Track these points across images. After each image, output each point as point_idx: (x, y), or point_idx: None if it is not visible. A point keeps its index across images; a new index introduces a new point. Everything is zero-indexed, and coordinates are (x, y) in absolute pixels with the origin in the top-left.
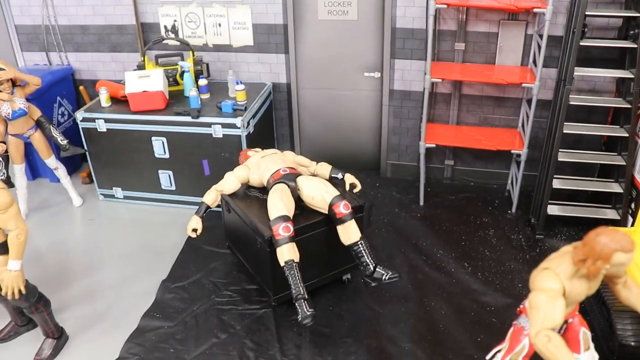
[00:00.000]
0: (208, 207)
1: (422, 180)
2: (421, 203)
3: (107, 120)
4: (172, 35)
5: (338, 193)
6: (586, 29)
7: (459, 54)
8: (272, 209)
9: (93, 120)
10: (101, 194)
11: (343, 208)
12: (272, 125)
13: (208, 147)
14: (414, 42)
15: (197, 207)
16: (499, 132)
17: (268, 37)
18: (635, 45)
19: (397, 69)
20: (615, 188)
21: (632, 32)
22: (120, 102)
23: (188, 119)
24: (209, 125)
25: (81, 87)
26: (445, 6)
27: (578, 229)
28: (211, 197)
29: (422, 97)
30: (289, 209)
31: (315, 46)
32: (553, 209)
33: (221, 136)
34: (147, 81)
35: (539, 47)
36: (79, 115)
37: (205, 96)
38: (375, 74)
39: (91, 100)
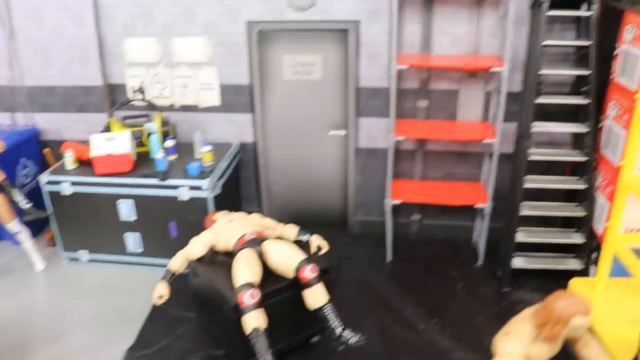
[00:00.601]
0: (174, 273)
1: (389, 236)
2: (389, 259)
3: (72, 183)
4: (139, 97)
5: (304, 257)
6: (541, 86)
7: (422, 111)
8: (237, 276)
9: (58, 183)
10: (66, 257)
11: (309, 272)
12: (239, 185)
13: (175, 210)
14: (378, 101)
15: (164, 271)
16: (464, 186)
17: (234, 97)
18: (587, 102)
19: (362, 127)
20: (578, 238)
21: (583, 88)
22: (86, 164)
23: (155, 181)
24: (175, 187)
25: (46, 150)
26: (406, 66)
27: (544, 279)
28: (177, 263)
29: (387, 154)
30: (255, 275)
31: (281, 105)
32: (518, 262)
33: (188, 199)
34: (113, 144)
35: (498, 103)
36: (44, 178)
37: (173, 157)
38: (340, 132)
39: (57, 161)
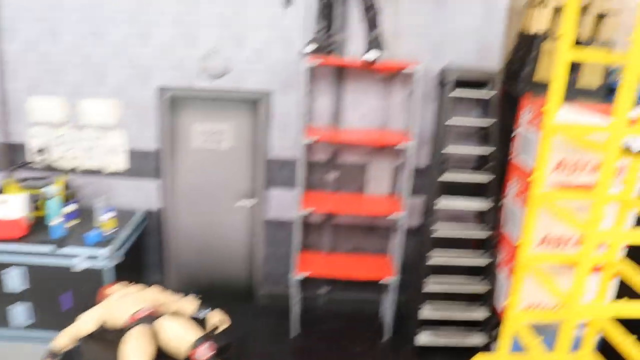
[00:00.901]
0: (55, 354)
1: (295, 310)
2: (295, 334)
3: None
4: (41, 158)
5: (199, 335)
6: (446, 163)
7: (331, 183)
8: (126, 359)
9: None
10: None
11: (204, 352)
12: (143, 253)
13: (70, 280)
14: (288, 172)
15: (46, 351)
16: (372, 259)
17: (142, 163)
18: (489, 180)
19: (271, 198)
20: (482, 313)
21: (487, 165)
22: None
23: (50, 248)
24: (71, 256)
25: None
26: (315, 140)
27: (450, 355)
28: (61, 342)
29: (295, 226)
30: (146, 356)
31: (190, 173)
32: (424, 338)
33: (84, 268)
34: (4, 207)
35: (405, 178)
36: None
37: (72, 223)
38: (249, 202)
39: None
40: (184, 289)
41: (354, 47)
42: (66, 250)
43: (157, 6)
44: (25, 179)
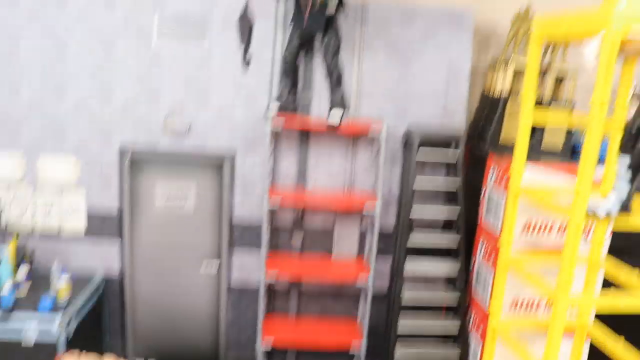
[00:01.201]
0: None
1: None
2: None
3: None
4: None
5: None
6: (413, 224)
7: (297, 245)
8: None
9: None
10: None
11: None
12: (102, 319)
13: (21, 354)
14: (252, 233)
15: None
16: (339, 325)
17: (102, 224)
18: (457, 241)
19: (235, 260)
20: None
21: (455, 226)
22: None
23: None
24: (22, 328)
25: None
26: (278, 204)
27: None
28: None
29: (260, 291)
30: None
31: (152, 234)
32: None
33: (35, 340)
34: None
35: (372, 241)
36: None
37: (24, 289)
38: (213, 265)
39: None
40: (146, 356)
41: (319, 106)
42: (15, 321)
43: (120, 63)
44: None
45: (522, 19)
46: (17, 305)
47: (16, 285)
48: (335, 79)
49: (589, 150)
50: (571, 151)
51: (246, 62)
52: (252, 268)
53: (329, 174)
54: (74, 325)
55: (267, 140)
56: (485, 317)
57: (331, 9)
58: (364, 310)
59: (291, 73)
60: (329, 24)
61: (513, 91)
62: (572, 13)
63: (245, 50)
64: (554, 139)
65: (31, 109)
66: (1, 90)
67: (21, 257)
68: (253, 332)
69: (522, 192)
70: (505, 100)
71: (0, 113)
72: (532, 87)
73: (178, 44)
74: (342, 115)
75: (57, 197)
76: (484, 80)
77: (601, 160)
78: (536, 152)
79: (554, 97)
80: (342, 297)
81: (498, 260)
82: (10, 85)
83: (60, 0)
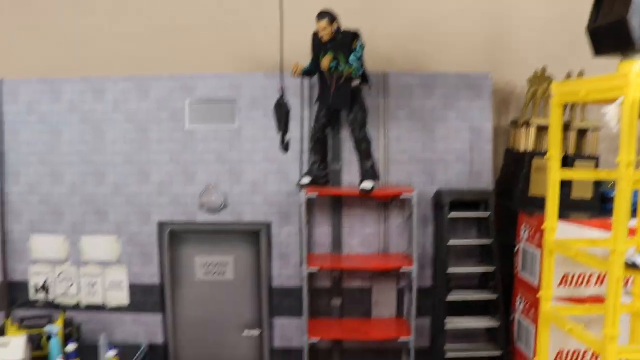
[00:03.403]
0: None
1: None
2: None
3: None
4: (42, 295)
5: None
6: (451, 282)
7: (336, 309)
8: None
9: None
10: None
11: None
12: None
13: None
14: (292, 300)
15: None
16: None
17: (144, 297)
18: (494, 297)
19: (276, 326)
20: None
21: (490, 283)
22: None
23: None
24: None
25: None
26: (317, 269)
27: None
28: None
29: (303, 355)
30: None
31: (193, 305)
32: None
33: None
34: (5, 350)
35: (411, 300)
36: None
37: None
38: (254, 332)
39: None
40: None
41: (349, 175)
42: None
43: (155, 145)
44: (25, 318)
45: (539, 79)
46: None
47: (67, 359)
48: (364, 151)
49: (621, 207)
50: (600, 200)
51: (284, 146)
52: (293, 333)
53: (363, 239)
54: None
55: (301, 210)
56: None
57: (355, 81)
58: None
59: (320, 148)
60: (354, 98)
61: (537, 146)
62: (589, 80)
63: (283, 136)
64: (582, 189)
65: (73, 193)
66: (45, 177)
67: (69, 331)
68: None
69: (556, 248)
70: (531, 156)
71: (45, 198)
72: (556, 147)
73: (209, 125)
74: (373, 185)
75: (100, 274)
76: (507, 136)
77: (633, 209)
78: (566, 203)
79: (578, 151)
80: (384, 356)
81: (539, 315)
82: (53, 173)
83: (98, 91)
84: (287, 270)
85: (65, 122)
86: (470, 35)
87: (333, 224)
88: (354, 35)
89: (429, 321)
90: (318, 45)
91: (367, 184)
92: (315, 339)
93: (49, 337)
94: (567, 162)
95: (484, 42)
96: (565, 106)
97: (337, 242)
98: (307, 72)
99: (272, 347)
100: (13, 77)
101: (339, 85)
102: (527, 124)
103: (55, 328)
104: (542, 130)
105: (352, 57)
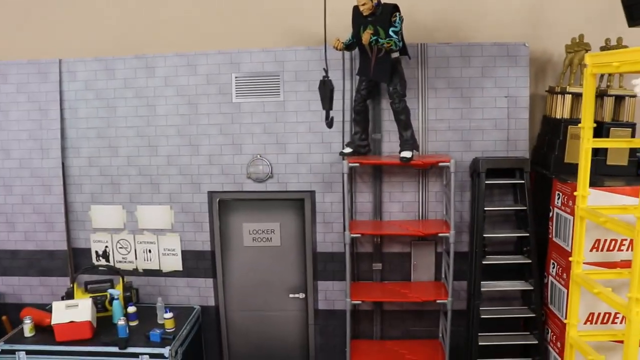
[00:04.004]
0: None
1: None
2: None
3: (28, 352)
4: (103, 262)
5: None
6: (486, 248)
7: (377, 274)
8: None
9: (13, 352)
10: None
11: None
12: (202, 349)
13: None
14: (335, 265)
15: None
16: (422, 345)
17: (196, 263)
18: (529, 261)
19: (320, 290)
20: None
21: (525, 248)
22: (45, 330)
23: (115, 349)
24: (136, 355)
25: (4, 318)
26: (359, 235)
27: None
28: None
29: (346, 316)
30: None
31: (241, 270)
32: None
33: None
34: (74, 311)
35: (448, 264)
36: None
37: (134, 323)
38: (300, 295)
39: (14, 328)
40: None
41: (389, 144)
42: (131, 349)
43: (205, 118)
44: (89, 282)
45: (577, 47)
46: (130, 338)
47: (128, 320)
48: (404, 121)
49: None
50: (637, 166)
51: (328, 124)
52: (336, 297)
53: (402, 206)
54: (180, 354)
55: (343, 179)
56: (562, 332)
57: (395, 54)
58: (445, 327)
59: (361, 119)
60: (394, 71)
61: (573, 114)
62: (622, 51)
63: (328, 113)
64: (618, 156)
65: (129, 165)
66: (103, 151)
67: (128, 295)
68: (340, 355)
69: (586, 215)
70: (567, 124)
71: (103, 171)
72: (589, 117)
73: (255, 98)
74: (412, 155)
75: (155, 241)
76: (544, 104)
77: None
78: (602, 169)
79: (615, 118)
80: (422, 319)
81: (570, 278)
82: (110, 146)
83: (150, 68)
84: (331, 236)
85: (120, 98)
86: (507, 4)
87: (374, 191)
88: (393, 9)
89: (466, 284)
90: (358, 19)
91: (407, 153)
92: (357, 302)
93: (111, 300)
94: (602, 129)
95: (521, 11)
96: (602, 75)
97: (377, 209)
98: (348, 46)
99: (316, 309)
100: (71, 57)
101: (379, 58)
102: (564, 91)
103: (117, 292)
104: (578, 97)
105: (391, 31)
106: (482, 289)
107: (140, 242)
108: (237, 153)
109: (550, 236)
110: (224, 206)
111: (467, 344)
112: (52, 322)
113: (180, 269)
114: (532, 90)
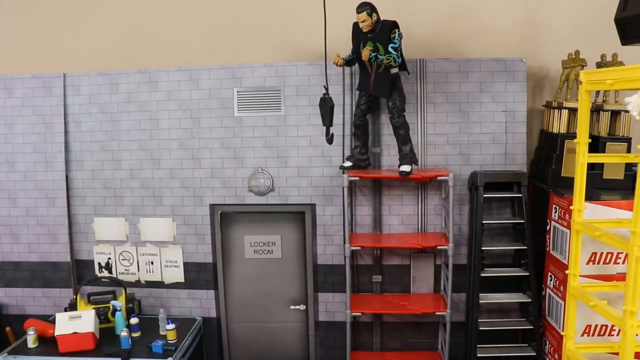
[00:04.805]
0: None
1: None
2: None
3: None
4: (106, 273)
5: None
6: (484, 261)
7: (377, 286)
8: None
9: None
10: None
11: None
12: (202, 357)
13: None
14: (335, 277)
15: None
16: (421, 357)
17: (198, 275)
18: (527, 273)
19: (320, 302)
20: None
21: (522, 261)
22: (48, 341)
23: None
24: None
25: (7, 329)
26: (359, 248)
27: None
28: None
29: (346, 327)
30: None
31: (243, 282)
32: None
33: None
34: (77, 322)
35: (447, 277)
36: (1, 358)
37: (137, 334)
38: (300, 307)
39: (17, 339)
40: None
41: (389, 159)
42: None
43: (207, 132)
44: (92, 294)
45: (573, 62)
46: (132, 349)
47: (130, 331)
48: (403, 135)
49: None
50: (633, 180)
51: (329, 140)
52: (336, 309)
53: (402, 218)
54: None
55: (344, 192)
56: (560, 344)
57: (394, 69)
58: (444, 338)
59: (361, 134)
60: (393, 86)
61: (570, 128)
62: (616, 69)
63: (328, 130)
64: (614, 170)
65: (132, 178)
66: (106, 164)
67: (131, 306)
68: None
69: (582, 229)
70: (563, 138)
71: (106, 183)
72: (584, 132)
73: (257, 112)
74: (411, 169)
75: (157, 253)
76: (541, 118)
77: None
78: (598, 183)
79: (611, 132)
80: (421, 331)
81: (567, 291)
82: (114, 159)
83: (153, 82)
84: (331, 249)
85: (123, 112)
86: (505, 21)
87: (374, 205)
88: (392, 26)
89: (465, 296)
90: (358, 35)
91: (406, 167)
92: (357, 313)
93: (114, 312)
94: (599, 143)
95: (519, 27)
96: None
97: (377, 222)
98: (349, 62)
99: (317, 320)
100: (75, 71)
101: (379, 74)
102: (560, 106)
103: (120, 303)
104: (575, 112)
105: (390, 47)
106: (480, 301)
107: (143, 254)
108: (238, 166)
109: (547, 249)
110: (226, 219)
111: (465, 356)
112: (56, 333)
113: (182, 280)
114: (530, 105)
